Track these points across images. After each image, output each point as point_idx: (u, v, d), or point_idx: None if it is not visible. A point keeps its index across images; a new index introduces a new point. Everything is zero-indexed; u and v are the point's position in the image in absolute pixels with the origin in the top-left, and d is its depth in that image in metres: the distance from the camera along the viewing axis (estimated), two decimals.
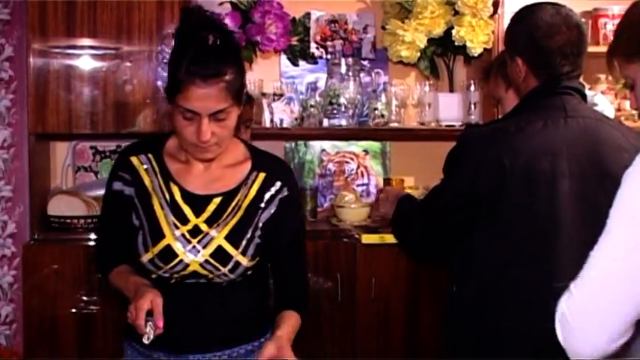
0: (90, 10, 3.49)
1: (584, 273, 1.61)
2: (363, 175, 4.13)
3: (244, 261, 2.11)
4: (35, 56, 3.50)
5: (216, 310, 2.13)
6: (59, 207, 3.60)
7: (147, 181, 2.15)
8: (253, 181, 2.18)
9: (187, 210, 2.12)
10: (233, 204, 2.14)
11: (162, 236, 2.09)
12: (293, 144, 4.08)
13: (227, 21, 3.58)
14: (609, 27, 3.89)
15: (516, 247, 2.29)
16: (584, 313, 1.57)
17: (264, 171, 2.19)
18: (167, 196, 2.13)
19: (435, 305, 3.40)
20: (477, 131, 2.48)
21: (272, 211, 2.18)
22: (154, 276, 2.11)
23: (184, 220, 2.11)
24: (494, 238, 2.32)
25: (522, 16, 2.47)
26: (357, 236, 3.52)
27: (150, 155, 2.19)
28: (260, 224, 2.16)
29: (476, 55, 3.78)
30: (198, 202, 2.13)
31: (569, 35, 2.36)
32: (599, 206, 2.27)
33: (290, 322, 2.16)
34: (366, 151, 4.14)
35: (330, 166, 4.11)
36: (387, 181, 4.02)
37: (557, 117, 2.31)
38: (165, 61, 3.50)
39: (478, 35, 3.72)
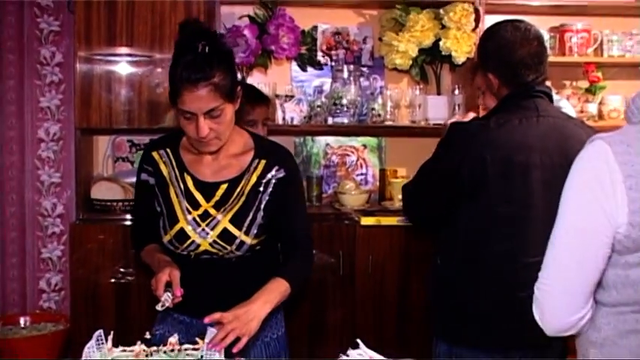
0: (127, 23, 3.51)
1: (545, 259, 1.67)
2: (361, 166, 4.12)
3: (248, 240, 2.10)
4: (81, 62, 3.52)
5: (229, 282, 2.12)
6: (101, 192, 3.61)
7: (165, 172, 2.16)
8: (255, 168, 2.15)
9: (199, 196, 2.12)
10: (238, 190, 2.12)
11: (177, 221, 2.09)
12: (302, 139, 4.07)
13: (245, 32, 3.57)
14: (574, 40, 3.90)
15: (493, 227, 2.28)
16: (551, 293, 1.65)
17: (264, 158, 2.16)
18: (182, 186, 2.13)
19: (422, 278, 3.40)
20: (463, 126, 2.47)
21: (270, 191, 2.14)
22: (177, 252, 2.13)
23: (196, 206, 2.11)
24: (474, 218, 2.31)
25: (487, 37, 2.46)
26: (356, 219, 3.52)
27: (168, 150, 2.18)
28: (262, 206, 2.13)
29: (460, 63, 3.77)
30: (208, 189, 2.12)
31: (529, 48, 2.34)
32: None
33: (267, 292, 2.01)
34: (364, 146, 4.12)
35: (334, 158, 4.10)
36: (382, 172, 4.01)
37: (531, 116, 2.30)
38: None
39: (462, 46, 3.71)
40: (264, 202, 2.14)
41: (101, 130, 3.76)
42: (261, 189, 2.14)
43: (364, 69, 4.01)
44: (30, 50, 3.92)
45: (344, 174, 4.09)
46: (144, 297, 3.37)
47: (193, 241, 2.09)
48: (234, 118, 2.09)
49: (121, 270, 3.41)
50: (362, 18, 4.06)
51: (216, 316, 1.89)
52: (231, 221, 2.09)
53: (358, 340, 2.02)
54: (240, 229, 2.10)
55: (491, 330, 2.31)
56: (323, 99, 3.82)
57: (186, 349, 1.96)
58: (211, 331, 1.91)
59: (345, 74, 3.83)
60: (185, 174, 2.14)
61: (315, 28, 3.99)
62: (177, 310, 2.17)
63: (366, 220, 3.50)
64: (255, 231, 2.12)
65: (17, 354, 3.25)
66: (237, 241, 2.10)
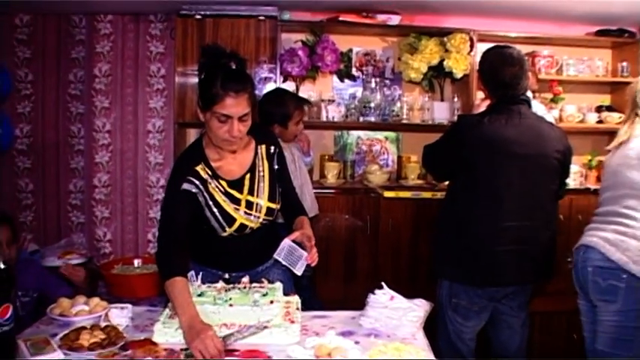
0: None
1: None
2: (384, 153, 4.07)
3: (278, 207, 2.06)
4: (178, 75, 3.53)
5: (262, 241, 2.07)
6: None
7: (209, 182, 1.98)
8: (261, 153, 2.06)
9: (235, 192, 2.00)
10: (257, 173, 2.03)
11: (235, 220, 1.98)
12: (340, 132, 4.03)
13: (299, 52, 3.55)
14: (542, 62, 3.92)
15: (479, 197, 2.27)
16: None
17: (263, 142, 2.07)
18: (221, 189, 1.98)
19: (428, 236, 3.36)
20: (466, 119, 2.44)
21: (276, 166, 2.08)
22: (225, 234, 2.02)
23: (237, 201, 1.99)
24: (465, 189, 2.30)
25: (482, 59, 2.42)
26: (380, 192, 3.49)
27: (203, 164, 1.98)
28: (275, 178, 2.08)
29: (458, 77, 3.71)
30: (237, 184, 2.01)
31: (512, 70, 2.29)
32: (536, 176, 2.28)
33: (307, 223, 2.02)
34: (386, 138, 4.07)
35: (363, 147, 4.06)
36: (399, 158, 3.97)
37: (514, 117, 2.27)
38: (258, 78, 3.49)
39: (460, 65, 3.64)
40: (274, 174, 2.08)
41: (192, 124, 3.74)
42: (273, 165, 2.08)
43: (387, 81, 3.94)
44: (142, 66, 3.93)
45: (371, 159, 4.04)
46: None
47: (249, 227, 2.02)
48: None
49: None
50: (385, 43, 4.00)
51: (304, 235, 1.91)
52: (269, 200, 2.03)
53: (382, 283, 2.00)
54: (275, 203, 2.04)
55: (478, 273, 2.29)
56: (356, 103, 3.78)
57: (254, 287, 1.96)
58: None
59: (373, 85, 3.80)
60: (219, 180, 1.99)
61: (350, 50, 3.93)
62: (215, 266, 2.13)
63: (388, 194, 3.46)
64: (279, 198, 2.07)
65: (133, 286, 3.29)
66: (275, 212, 2.06)
